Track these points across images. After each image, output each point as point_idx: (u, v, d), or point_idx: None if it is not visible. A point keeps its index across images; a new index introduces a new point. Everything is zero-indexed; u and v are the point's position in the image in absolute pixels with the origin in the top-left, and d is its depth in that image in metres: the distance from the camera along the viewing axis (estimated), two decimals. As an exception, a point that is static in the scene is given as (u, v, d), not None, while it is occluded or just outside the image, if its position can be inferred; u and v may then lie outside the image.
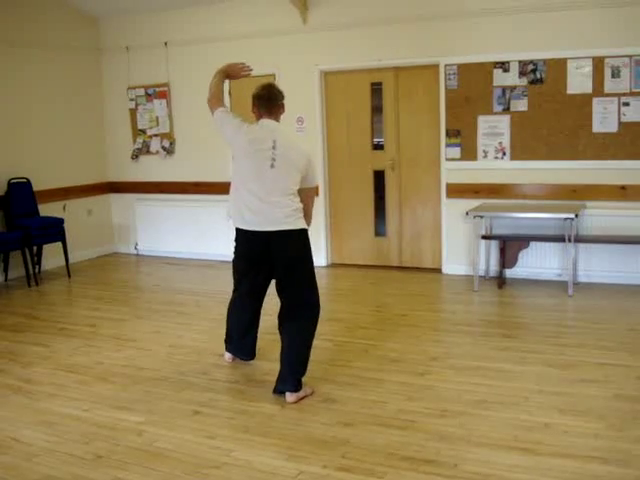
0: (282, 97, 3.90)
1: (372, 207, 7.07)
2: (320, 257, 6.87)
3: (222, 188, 6.63)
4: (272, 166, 3.72)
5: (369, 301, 5.84)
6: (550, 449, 3.06)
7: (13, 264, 6.95)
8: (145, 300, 6.20)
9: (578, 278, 6.03)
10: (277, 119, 3.89)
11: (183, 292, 6.33)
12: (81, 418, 3.61)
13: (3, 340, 5.05)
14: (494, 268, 6.36)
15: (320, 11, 6.81)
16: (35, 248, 7.01)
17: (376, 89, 6.86)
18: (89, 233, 8.02)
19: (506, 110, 6.18)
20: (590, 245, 5.95)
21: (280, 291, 3.85)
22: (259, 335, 4.22)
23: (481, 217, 6.07)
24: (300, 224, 3.80)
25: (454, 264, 6.62)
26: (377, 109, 6.89)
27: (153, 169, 8.02)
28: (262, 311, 4.12)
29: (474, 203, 6.25)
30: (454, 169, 6.48)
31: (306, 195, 3.89)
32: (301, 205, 3.82)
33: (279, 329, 3.87)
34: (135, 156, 8.09)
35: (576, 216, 5.57)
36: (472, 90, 6.29)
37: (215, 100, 3.98)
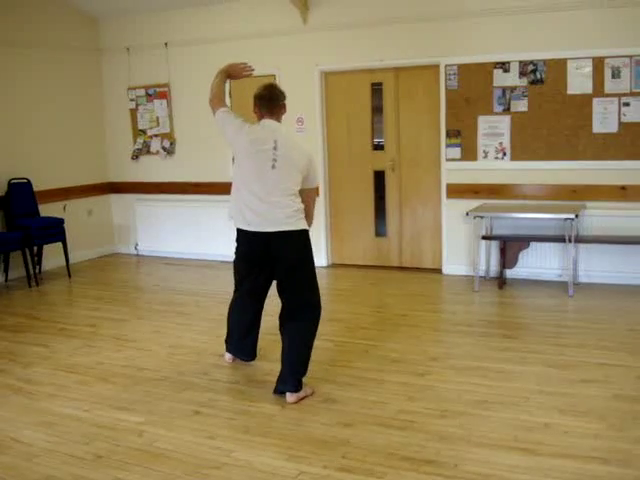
0: (283, 97, 3.91)
1: (372, 207, 7.07)
2: (320, 257, 6.86)
3: (222, 188, 6.65)
4: (273, 167, 3.72)
5: (369, 301, 5.84)
6: (550, 449, 3.06)
7: (13, 264, 6.95)
8: (145, 300, 6.20)
9: (578, 278, 6.03)
10: (278, 119, 3.89)
11: (183, 292, 6.33)
12: (81, 418, 3.61)
13: (3, 340, 5.05)
14: (494, 268, 6.36)
15: (320, 11, 6.82)
16: (35, 248, 7.00)
17: (376, 89, 6.86)
18: (89, 233, 8.02)
19: (506, 110, 6.19)
20: (590, 245, 5.95)
21: (281, 292, 3.85)
22: (260, 335, 4.22)
23: (481, 217, 6.07)
24: (301, 225, 3.80)
25: (454, 264, 6.62)
26: (377, 109, 6.89)
27: (153, 169, 8.02)
28: (263, 312, 4.12)
29: (474, 203, 6.25)
30: (454, 169, 6.48)
31: (307, 195, 3.89)
32: (302, 206, 3.81)
33: (280, 330, 3.87)
34: (135, 156, 8.10)
35: (576, 216, 5.57)
36: (472, 90, 6.29)
37: (217, 100, 3.98)
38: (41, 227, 6.90)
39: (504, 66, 6.14)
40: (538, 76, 6.03)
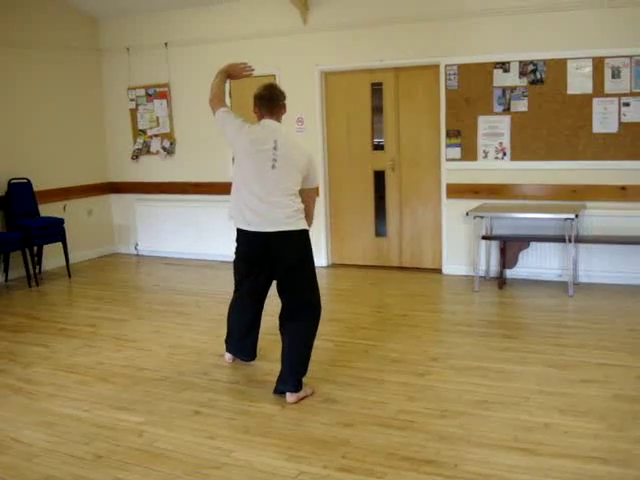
0: (283, 97, 3.91)
1: (372, 207, 7.07)
2: (320, 257, 6.87)
3: (222, 188, 6.65)
4: (273, 166, 3.72)
5: (369, 301, 5.84)
6: (550, 449, 3.06)
7: (13, 264, 6.95)
8: (145, 300, 6.20)
9: (578, 278, 6.03)
10: (278, 119, 3.89)
11: (183, 292, 6.33)
12: (81, 418, 3.61)
13: (3, 340, 5.05)
14: (494, 268, 6.36)
15: (320, 11, 6.82)
16: (35, 248, 7.00)
17: (376, 89, 6.86)
18: (89, 233, 8.02)
19: (506, 110, 6.18)
20: (590, 245, 5.95)
21: (281, 292, 3.85)
22: (260, 335, 4.21)
23: (481, 217, 6.07)
24: (301, 225, 3.80)
25: (454, 264, 6.62)
26: (377, 109, 6.89)
27: (153, 169, 8.02)
28: (263, 312, 4.12)
29: (474, 203, 6.25)
30: (454, 169, 6.48)
31: (307, 195, 3.89)
32: (302, 206, 3.81)
33: (280, 330, 3.87)
34: (135, 156, 8.09)
35: (576, 216, 5.57)
36: (472, 90, 6.29)
37: (217, 100, 3.98)
38: (41, 227, 6.90)
39: (504, 66, 6.14)
40: (538, 76, 6.03)
